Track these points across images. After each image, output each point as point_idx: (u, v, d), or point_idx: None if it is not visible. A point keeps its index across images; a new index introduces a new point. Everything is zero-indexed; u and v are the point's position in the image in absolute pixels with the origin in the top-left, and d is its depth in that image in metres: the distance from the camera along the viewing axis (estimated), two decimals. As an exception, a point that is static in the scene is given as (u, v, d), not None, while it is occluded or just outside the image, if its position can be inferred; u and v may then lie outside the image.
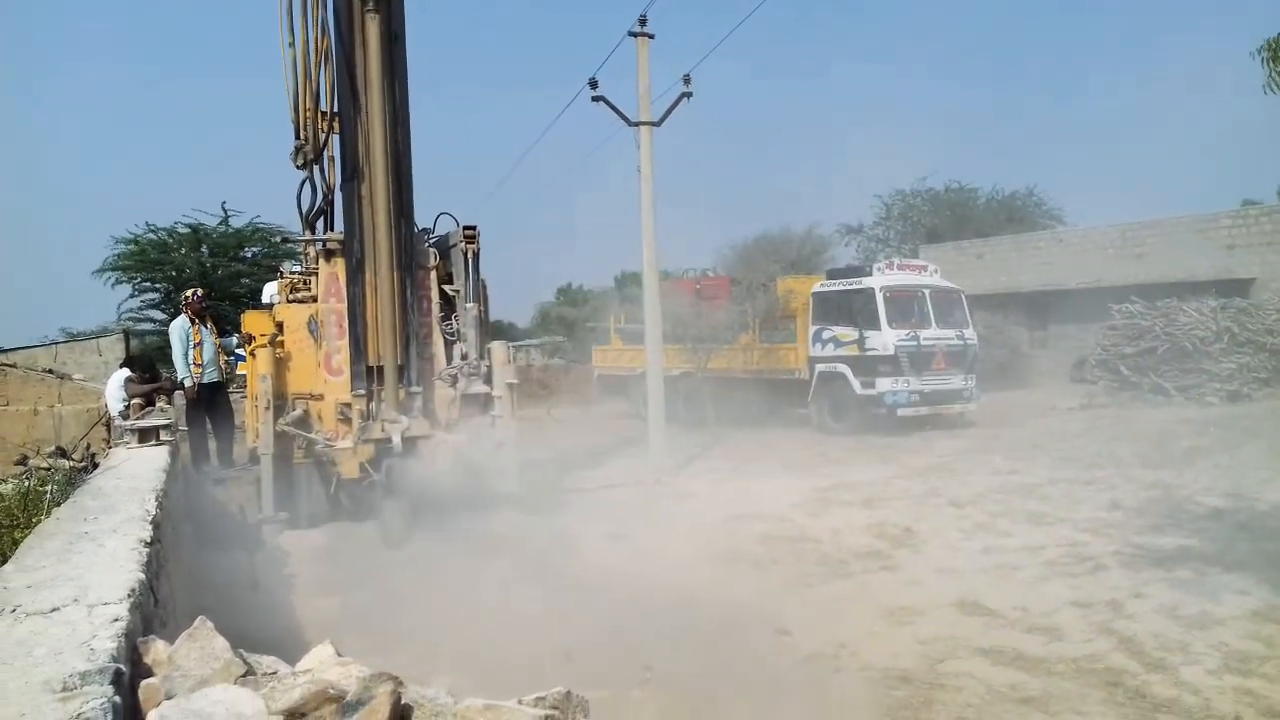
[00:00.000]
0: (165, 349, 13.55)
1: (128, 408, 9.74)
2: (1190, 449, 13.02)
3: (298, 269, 10.70)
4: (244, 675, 2.27)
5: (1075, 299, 27.25)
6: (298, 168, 10.15)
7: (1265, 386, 19.03)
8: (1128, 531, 8.56)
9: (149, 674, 2.31)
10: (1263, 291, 22.85)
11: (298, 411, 9.39)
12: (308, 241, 10.32)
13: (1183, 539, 8.15)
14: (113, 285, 30.99)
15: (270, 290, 11.40)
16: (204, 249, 31.70)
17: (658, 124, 13.57)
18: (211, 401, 11.06)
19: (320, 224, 10.19)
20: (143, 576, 3.05)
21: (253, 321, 9.93)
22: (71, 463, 10.32)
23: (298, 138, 10.10)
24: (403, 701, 2.09)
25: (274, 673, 2.32)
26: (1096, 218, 33.52)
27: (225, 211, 31.96)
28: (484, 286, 10.30)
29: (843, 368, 17.20)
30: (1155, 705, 4.81)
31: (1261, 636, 5.70)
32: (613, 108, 13.57)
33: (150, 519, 4.08)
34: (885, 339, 16.59)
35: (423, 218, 10.28)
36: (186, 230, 31.42)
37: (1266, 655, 5.40)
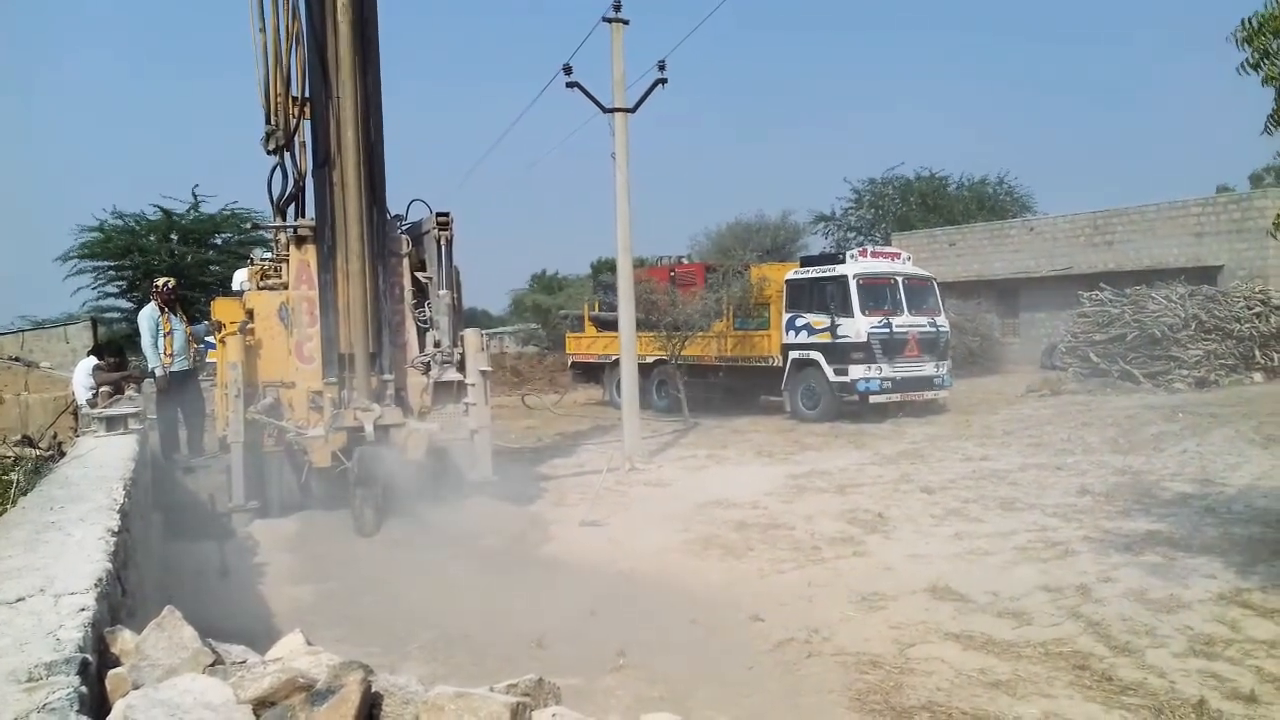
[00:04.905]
0: (134, 337, 13.40)
1: (95, 396, 9.63)
2: (1158, 435, 13.20)
3: (268, 256, 10.58)
4: (212, 664, 2.25)
5: (1046, 286, 27.54)
6: (268, 153, 10.04)
7: (1232, 373, 19.32)
8: (1097, 517, 8.67)
9: (116, 664, 2.29)
10: (1230, 279, 23.14)
11: (268, 399, 9.30)
12: (278, 228, 10.22)
13: (1151, 524, 8.26)
14: (73, 275, 30.57)
15: (240, 277, 11.27)
16: (173, 236, 31.24)
17: (632, 110, 13.52)
18: (181, 390, 10.95)
19: (291, 210, 10.09)
20: (110, 566, 3.02)
21: (223, 309, 9.83)
22: (38, 451, 10.17)
23: (268, 123, 9.99)
24: (373, 690, 2.08)
25: (243, 662, 2.30)
26: (1067, 205, 33.77)
27: (196, 197, 31.52)
28: (457, 273, 10.25)
29: (816, 355, 17.25)
30: (1122, 688, 4.87)
31: (1227, 620, 5.79)
32: (587, 94, 13.48)
33: (118, 508, 4.04)
34: (858, 326, 16.65)
35: (395, 204, 10.22)
36: (158, 216, 30.95)
37: (1232, 638, 5.49)
